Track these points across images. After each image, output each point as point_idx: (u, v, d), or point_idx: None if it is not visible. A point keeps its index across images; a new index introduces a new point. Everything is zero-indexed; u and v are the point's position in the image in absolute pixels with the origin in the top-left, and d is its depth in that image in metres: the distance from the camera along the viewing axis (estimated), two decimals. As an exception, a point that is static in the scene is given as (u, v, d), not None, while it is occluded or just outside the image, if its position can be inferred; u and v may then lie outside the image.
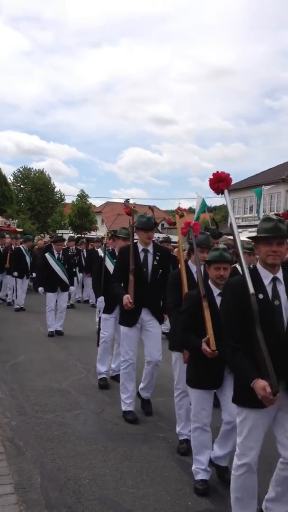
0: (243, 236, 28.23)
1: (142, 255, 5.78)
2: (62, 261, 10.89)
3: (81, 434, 5.25)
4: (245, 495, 3.40)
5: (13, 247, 15.06)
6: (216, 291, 4.28)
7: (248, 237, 4.06)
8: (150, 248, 5.82)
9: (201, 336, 4.10)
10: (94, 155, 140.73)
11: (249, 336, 3.20)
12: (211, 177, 3.72)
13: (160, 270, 5.75)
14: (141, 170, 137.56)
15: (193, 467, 4.30)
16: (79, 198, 47.96)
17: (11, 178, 55.92)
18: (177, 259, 7.18)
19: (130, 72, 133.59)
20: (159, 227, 60.36)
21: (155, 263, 5.75)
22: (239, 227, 35.93)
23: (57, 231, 36.94)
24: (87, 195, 48.64)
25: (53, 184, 57.47)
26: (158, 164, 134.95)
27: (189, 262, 5.05)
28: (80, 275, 15.79)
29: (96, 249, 11.86)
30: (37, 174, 57.52)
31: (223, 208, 53.14)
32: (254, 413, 3.29)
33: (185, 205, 70.68)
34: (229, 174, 3.73)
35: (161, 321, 5.89)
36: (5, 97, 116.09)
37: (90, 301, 15.52)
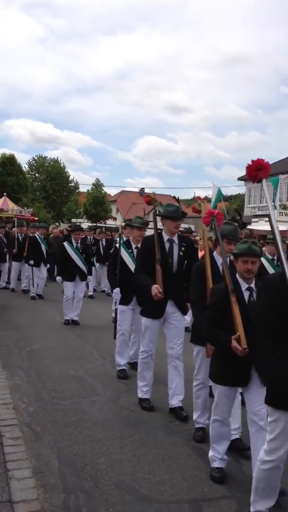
0: (260, 225, 28.02)
1: (167, 245, 5.61)
2: (80, 250, 10.82)
3: (98, 421, 5.30)
4: (267, 487, 3.43)
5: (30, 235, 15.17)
6: (244, 285, 4.07)
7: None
8: (176, 238, 5.66)
9: (229, 332, 3.92)
10: (108, 144, 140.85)
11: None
12: (250, 163, 3.46)
13: (186, 261, 5.60)
14: (156, 158, 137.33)
15: (210, 454, 4.31)
16: (94, 187, 47.97)
17: (26, 166, 56.16)
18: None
19: (145, 60, 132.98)
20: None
21: (181, 254, 5.59)
22: (255, 216, 35.80)
23: (72, 220, 37.10)
24: (102, 184, 48.64)
25: (67, 173, 57.62)
26: (173, 152, 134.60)
27: (214, 253, 4.90)
28: (97, 264, 15.68)
29: (114, 239, 11.92)
30: (51, 163, 57.69)
31: (239, 197, 52.95)
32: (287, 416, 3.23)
33: (201, 194, 70.39)
34: (269, 163, 3.50)
35: (184, 314, 5.74)
36: (19, 84, 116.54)
37: (105, 290, 15.59)
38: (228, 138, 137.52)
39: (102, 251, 15.82)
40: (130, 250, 7.10)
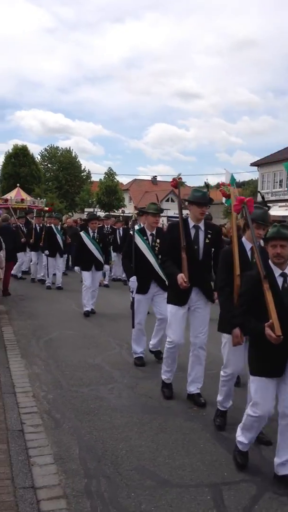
0: (274, 211, 27.86)
1: (193, 231, 5.46)
2: (97, 240, 10.66)
3: (116, 407, 5.35)
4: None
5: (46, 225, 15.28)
6: (277, 271, 3.93)
7: None
8: (202, 225, 5.49)
9: (262, 320, 3.79)
10: (119, 132, 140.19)
11: None
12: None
13: (213, 249, 5.46)
14: (168, 146, 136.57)
15: (238, 438, 4.22)
16: (106, 176, 47.99)
17: (39, 157, 56.31)
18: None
19: (153, 47, 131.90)
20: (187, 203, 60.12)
21: (207, 241, 5.44)
22: (268, 201, 35.58)
23: (85, 210, 37.16)
24: (114, 172, 48.65)
25: (79, 162, 57.69)
26: (185, 139, 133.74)
27: (243, 239, 4.72)
28: (113, 254, 15.43)
29: (130, 227, 11.86)
30: (63, 153, 57.78)
31: (252, 183, 52.62)
32: None
33: (213, 180, 70.04)
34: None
35: (211, 302, 5.55)
36: (28, 75, 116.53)
37: (118, 278, 15.74)
38: (240, 124, 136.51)
39: (119, 240, 15.76)
40: (145, 237, 6.95)
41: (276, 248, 3.89)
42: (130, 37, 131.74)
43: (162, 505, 3.54)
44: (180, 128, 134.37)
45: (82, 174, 57.46)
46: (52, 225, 14.64)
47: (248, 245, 4.66)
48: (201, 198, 5.39)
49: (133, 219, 7.82)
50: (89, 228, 10.77)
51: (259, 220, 4.54)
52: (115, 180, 48.26)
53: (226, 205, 6.57)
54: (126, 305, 10.97)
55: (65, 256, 16.86)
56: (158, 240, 6.90)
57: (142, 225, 7.41)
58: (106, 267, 11.25)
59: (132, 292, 6.97)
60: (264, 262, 3.98)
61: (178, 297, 5.49)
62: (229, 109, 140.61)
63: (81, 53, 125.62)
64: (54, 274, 14.53)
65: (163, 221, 23.04)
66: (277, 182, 41.77)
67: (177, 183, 6.05)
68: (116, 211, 39.48)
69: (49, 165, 58.30)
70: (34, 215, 17.02)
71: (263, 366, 3.93)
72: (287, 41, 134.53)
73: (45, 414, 5.11)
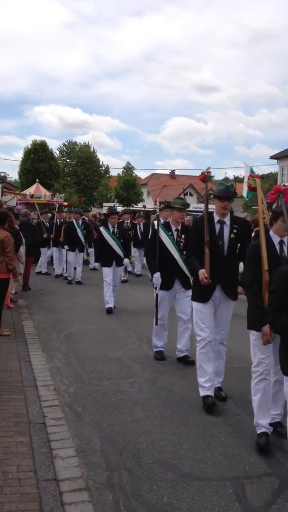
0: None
1: (217, 226, 5.29)
2: (117, 235, 10.45)
3: (137, 401, 5.37)
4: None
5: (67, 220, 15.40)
6: None
7: None
8: (227, 219, 5.32)
9: None
10: (137, 127, 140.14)
11: None
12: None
13: (239, 244, 5.26)
14: (185, 140, 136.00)
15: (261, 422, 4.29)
16: (125, 171, 47.97)
17: (57, 152, 56.51)
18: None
19: (171, 40, 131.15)
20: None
21: (232, 236, 5.26)
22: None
23: (103, 204, 37.23)
24: (133, 167, 48.60)
25: (97, 156, 57.77)
26: (203, 133, 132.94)
27: (271, 233, 4.49)
28: (134, 249, 15.36)
29: (152, 221, 11.77)
30: (82, 148, 57.93)
31: (271, 176, 52.20)
32: None
33: (232, 174, 69.72)
34: None
35: (235, 299, 5.46)
36: (48, 70, 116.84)
37: (137, 272, 15.72)
38: (258, 116, 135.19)
39: (140, 236, 15.71)
40: (170, 233, 6.80)
41: None
42: (149, 31, 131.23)
43: (184, 498, 3.54)
44: (198, 122, 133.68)
45: (101, 168, 57.53)
46: (73, 220, 14.66)
47: (276, 239, 4.45)
48: (224, 191, 5.24)
49: (157, 213, 7.63)
50: (109, 223, 10.56)
51: None
52: (134, 175, 48.22)
53: (247, 199, 6.47)
54: (146, 300, 11.00)
55: (92, 250, 16.91)
56: (183, 236, 6.74)
57: (162, 220, 7.25)
58: (126, 261, 11.12)
59: (156, 288, 6.83)
60: None
61: (201, 294, 5.34)
62: (247, 101, 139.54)
63: (100, 47, 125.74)
64: (74, 268, 14.59)
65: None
66: (297, 175, 41.33)
67: (205, 177, 5.92)
68: (134, 206, 39.45)
69: (67, 160, 58.48)
70: (56, 210, 17.17)
71: None
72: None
73: (66, 407, 5.14)
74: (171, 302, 6.95)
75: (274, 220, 4.44)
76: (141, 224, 16.03)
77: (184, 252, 6.55)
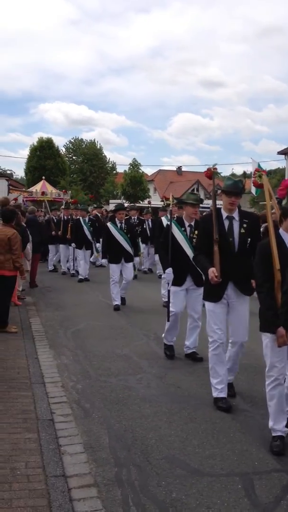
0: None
1: (226, 223, 5.15)
2: (125, 231, 10.31)
3: (145, 397, 5.36)
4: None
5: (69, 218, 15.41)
6: None
7: None
8: (236, 215, 5.18)
9: None
10: (143, 123, 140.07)
11: None
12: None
13: (249, 239, 5.12)
14: (192, 136, 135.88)
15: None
16: (131, 167, 47.95)
17: (63, 149, 56.59)
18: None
19: (177, 36, 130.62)
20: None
21: (242, 231, 5.11)
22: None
23: (110, 201, 37.24)
24: (139, 163, 48.57)
25: (103, 153, 57.82)
26: (209, 129, 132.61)
27: (281, 231, 4.31)
28: (142, 245, 15.19)
29: (161, 218, 11.67)
30: (88, 145, 58.00)
31: (279, 171, 52.01)
32: None
33: (239, 170, 69.53)
34: None
35: (250, 294, 5.23)
36: (53, 68, 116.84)
37: (157, 271, 15.13)
38: (265, 112, 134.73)
39: (148, 232, 15.62)
40: (183, 229, 6.70)
41: None
42: (155, 27, 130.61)
43: (193, 493, 3.53)
44: (204, 118, 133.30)
45: (107, 165, 57.56)
46: (80, 218, 14.64)
47: (286, 237, 4.28)
48: (231, 187, 5.08)
49: (170, 209, 7.49)
50: (116, 219, 10.46)
51: None
52: (140, 171, 48.20)
53: (256, 194, 6.36)
54: (154, 297, 11.04)
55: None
56: (196, 232, 6.49)
57: (176, 217, 7.12)
58: (136, 259, 10.92)
59: (168, 284, 6.74)
60: None
61: (213, 293, 5.19)
62: (254, 97, 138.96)
63: (105, 44, 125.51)
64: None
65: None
66: (304, 171, 41.11)
67: (211, 173, 5.83)
68: (141, 202, 39.42)
69: (74, 157, 58.57)
70: (63, 207, 17.19)
71: None
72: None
73: (74, 403, 5.14)
74: (185, 298, 6.76)
75: (284, 217, 4.28)
76: (149, 220, 15.94)
77: None
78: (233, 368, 5.45)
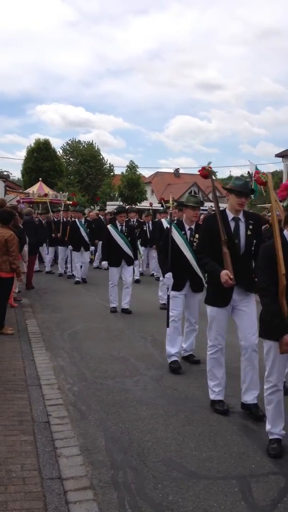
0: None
1: (232, 224, 4.99)
2: (125, 234, 10.18)
3: (142, 400, 5.34)
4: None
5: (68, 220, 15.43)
6: None
7: None
8: (241, 216, 5.03)
9: None
10: (141, 125, 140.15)
11: None
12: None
13: (254, 241, 4.96)
14: (189, 138, 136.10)
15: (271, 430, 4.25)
16: (128, 169, 47.93)
17: (60, 151, 56.56)
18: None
19: (176, 38, 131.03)
20: (210, 196, 59.80)
21: (249, 233, 4.95)
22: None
23: (107, 203, 37.19)
24: (136, 165, 48.55)
25: (101, 155, 57.78)
26: (207, 131, 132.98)
27: (285, 232, 4.14)
28: (142, 248, 15.11)
29: (161, 220, 11.59)
30: (86, 146, 57.99)
31: (277, 174, 52.09)
32: None
33: (237, 172, 69.58)
34: None
35: (254, 293, 5.02)
36: (51, 69, 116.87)
37: (154, 274, 15.07)
38: (263, 114, 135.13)
39: (148, 234, 15.50)
40: (183, 232, 6.53)
41: None
42: (153, 29, 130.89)
43: (190, 496, 3.51)
44: (202, 120, 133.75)
45: (104, 167, 57.49)
46: (76, 220, 14.60)
47: None
48: (241, 187, 4.93)
49: (170, 211, 7.36)
50: (117, 222, 10.30)
51: None
52: (138, 173, 48.15)
53: (253, 198, 6.25)
54: (151, 299, 11.03)
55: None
56: (196, 235, 6.40)
57: (176, 219, 7.05)
58: (135, 262, 10.75)
59: (168, 289, 6.56)
60: None
61: (220, 297, 5.01)
62: (252, 99, 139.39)
63: (103, 46, 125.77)
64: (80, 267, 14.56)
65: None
66: (301, 173, 41.17)
67: (208, 172, 5.70)
68: (138, 204, 39.42)
69: (71, 159, 58.50)
70: (62, 209, 17.22)
71: None
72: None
73: (70, 406, 5.12)
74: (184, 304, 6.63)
75: None
76: (149, 222, 15.82)
77: None
78: (252, 384, 4.99)
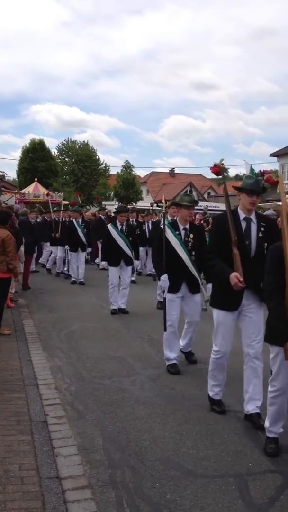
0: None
1: (243, 224, 4.79)
2: (125, 233, 10.03)
3: (139, 399, 5.35)
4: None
5: (66, 220, 15.44)
6: None
7: None
8: (254, 217, 4.83)
9: None
10: (135, 125, 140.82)
11: None
12: None
13: (266, 244, 4.68)
14: (184, 138, 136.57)
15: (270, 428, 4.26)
16: (124, 169, 47.97)
17: (55, 151, 56.53)
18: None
19: (170, 38, 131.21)
20: (205, 196, 59.91)
21: (260, 235, 4.75)
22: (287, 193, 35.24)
23: (102, 203, 37.17)
24: (132, 165, 48.59)
25: (96, 155, 57.80)
26: (201, 131, 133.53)
27: None
28: (141, 248, 14.79)
29: (159, 220, 11.52)
30: (81, 146, 57.99)
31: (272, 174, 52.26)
32: None
33: (232, 172, 69.66)
34: None
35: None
36: (45, 69, 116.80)
37: (152, 273, 14.79)
38: (257, 114, 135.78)
39: (147, 234, 15.36)
40: (177, 232, 6.35)
41: None
42: (148, 29, 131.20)
43: (187, 495, 3.53)
44: (197, 120, 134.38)
45: (100, 167, 57.50)
46: (73, 220, 14.57)
47: None
48: (253, 185, 4.74)
49: (163, 211, 7.22)
50: (117, 221, 10.17)
51: None
52: (133, 173, 48.21)
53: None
54: (148, 299, 11.02)
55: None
56: (191, 235, 6.33)
57: (170, 219, 6.99)
58: (136, 262, 10.64)
59: (164, 291, 6.40)
60: None
61: (228, 301, 4.83)
62: (246, 99, 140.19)
63: (98, 46, 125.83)
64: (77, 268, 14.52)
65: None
66: (296, 173, 41.28)
67: (220, 169, 5.50)
68: (134, 204, 39.44)
69: (66, 159, 58.48)
70: (62, 209, 17.24)
71: None
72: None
73: (68, 405, 5.13)
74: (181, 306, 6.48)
75: None
76: (149, 222, 15.72)
77: (193, 253, 6.23)
78: (255, 395, 4.84)
